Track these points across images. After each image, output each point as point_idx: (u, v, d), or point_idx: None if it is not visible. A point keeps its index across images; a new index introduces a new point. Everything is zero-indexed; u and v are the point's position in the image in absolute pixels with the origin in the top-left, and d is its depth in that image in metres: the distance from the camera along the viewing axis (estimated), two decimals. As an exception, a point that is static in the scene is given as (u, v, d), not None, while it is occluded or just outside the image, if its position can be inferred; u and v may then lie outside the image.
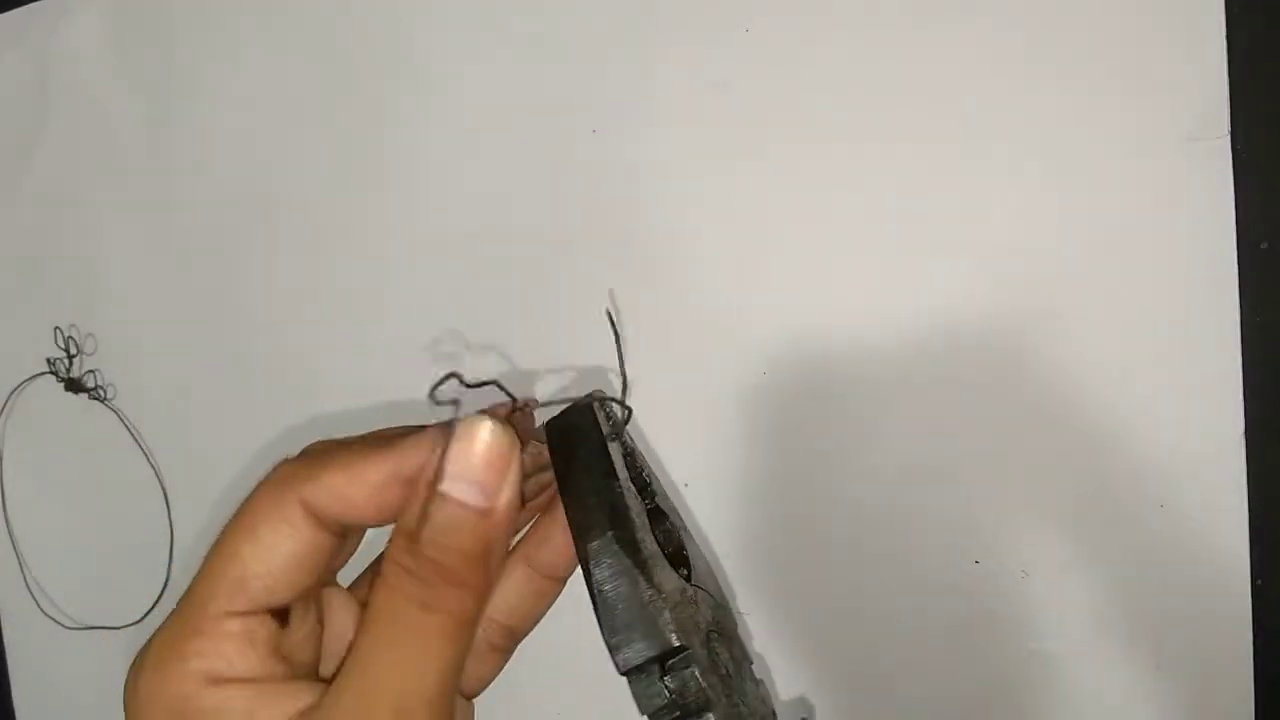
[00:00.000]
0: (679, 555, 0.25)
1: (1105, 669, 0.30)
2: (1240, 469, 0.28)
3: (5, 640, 0.50)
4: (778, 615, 0.34)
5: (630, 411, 0.26)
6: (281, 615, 0.23)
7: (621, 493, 0.23)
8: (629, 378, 0.27)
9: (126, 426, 0.45)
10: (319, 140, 0.40)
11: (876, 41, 0.31)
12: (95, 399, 0.45)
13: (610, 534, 0.23)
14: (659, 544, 0.24)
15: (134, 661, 0.22)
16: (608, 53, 0.35)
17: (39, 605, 0.48)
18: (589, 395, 0.25)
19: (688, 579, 0.24)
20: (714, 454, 0.34)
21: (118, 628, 0.46)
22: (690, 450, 0.35)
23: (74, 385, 0.46)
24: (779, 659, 0.34)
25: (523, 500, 0.23)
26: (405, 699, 0.21)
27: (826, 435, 0.33)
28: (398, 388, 0.39)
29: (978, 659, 0.32)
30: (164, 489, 0.45)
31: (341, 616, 0.24)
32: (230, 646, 0.22)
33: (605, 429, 0.24)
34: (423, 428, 0.24)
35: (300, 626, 0.23)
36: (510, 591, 0.26)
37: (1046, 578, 0.31)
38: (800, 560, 0.34)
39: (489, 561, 0.22)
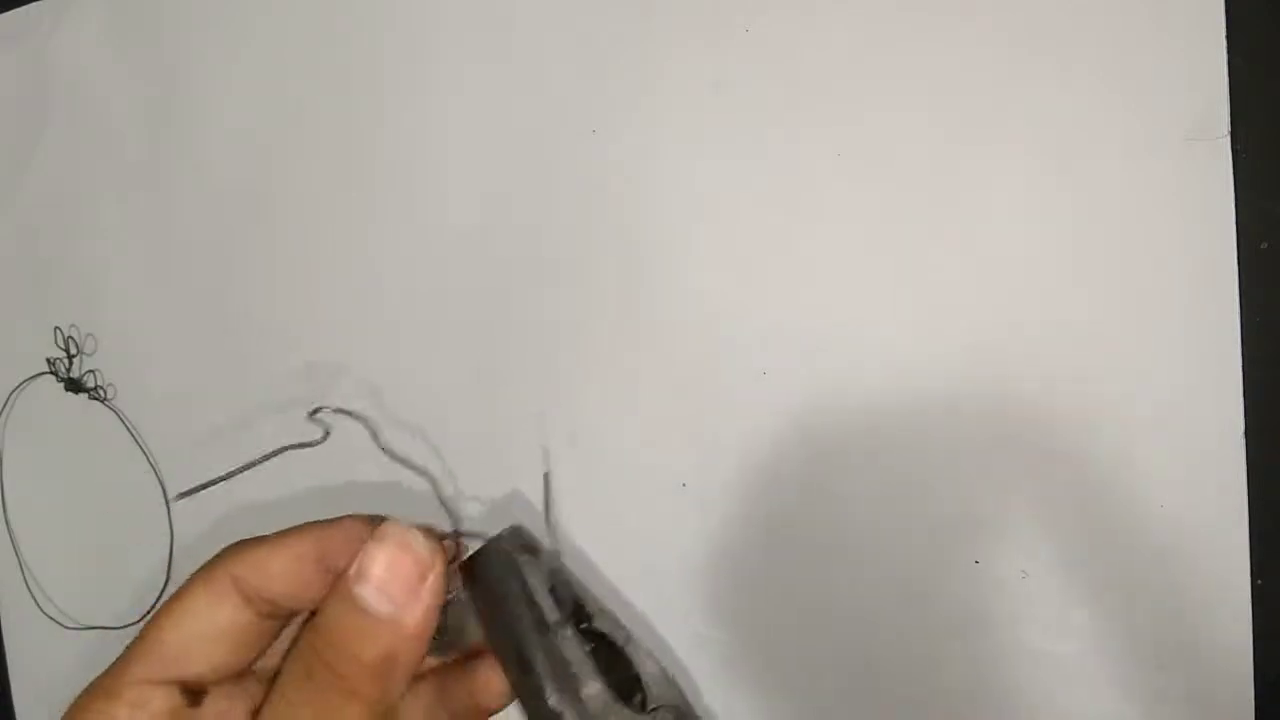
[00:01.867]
0: (632, 680, 0.24)
1: (1105, 669, 0.30)
2: (1240, 469, 0.28)
3: (5, 640, 0.50)
4: (774, 616, 0.34)
5: (558, 553, 0.25)
6: (195, 694, 0.23)
7: (557, 644, 0.22)
8: (553, 520, 0.27)
9: (126, 426, 0.45)
10: (319, 140, 0.40)
11: (876, 41, 0.31)
12: (95, 399, 0.45)
13: (554, 696, 0.22)
14: (603, 677, 0.23)
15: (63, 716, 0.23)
16: (608, 53, 0.35)
17: (39, 605, 0.48)
18: (507, 530, 0.24)
19: (643, 704, 0.23)
20: (713, 454, 0.34)
21: (118, 628, 0.46)
22: (689, 450, 0.35)
23: (74, 385, 0.46)
24: (775, 659, 0.34)
25: (440, 627, 0.22)
26: None
27: (826, 435, 0.33)
28: (396, 381, 0.39)
29: (978, 659, 0.32)
30: (164, 489, 0.45)
31: None
32: (127, 712, 0.22)
33: (531, 564, 0.23)
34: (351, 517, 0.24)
35: (215, 711, 0.23)
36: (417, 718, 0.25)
37: (1046, 578, 0.30)
38: (799, 560, 0.34)
39: (389, 674, 0.21)
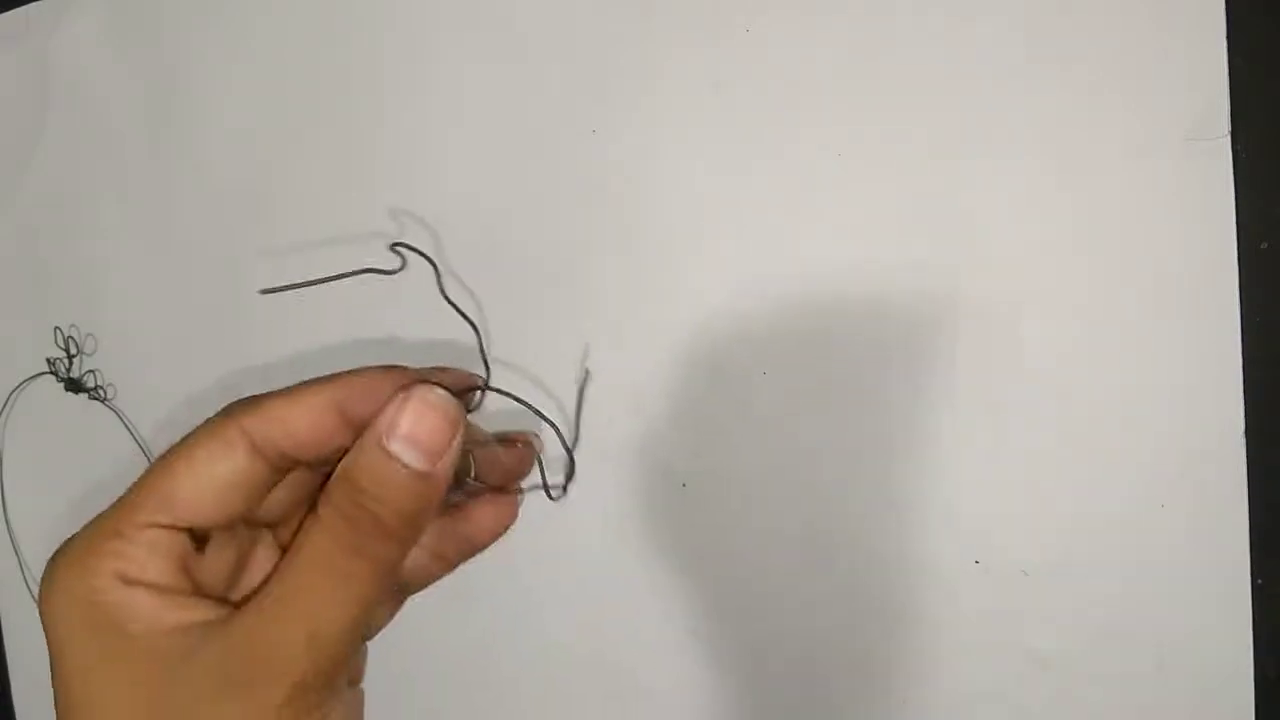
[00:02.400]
0: None
1: (1105, 669, 0.30)
2: (1241, 469, 0.28)
3: (5, 639, 0.50)
4: (777, 613, 0.34)
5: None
6: (200, 540, 0.23)
7: None
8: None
9: (126, 426, 0.45)
10: (318, 140, 0.40)
11: (876, 41, 0.31)
12: (95, 399, 0.45)
13: None
14: None
15: (52, 557, 0.23)
16: (608, 53, 0.35)
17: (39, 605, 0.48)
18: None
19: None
20: (713, 454, 0.34)
21: (118, 628, 0.46)
22: (689, 450, 0.35)
23: (74, 385, 0.46)
24: (777, 658, 0.34)
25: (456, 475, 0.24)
26: (323, 627, 0.22)
27: (826, 435, 0.33)
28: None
29: (977, 659, 0.32)
30: (164, 489, 0.45)
31: (261, 558, 0.25)
32: (145, 553, 0.22)
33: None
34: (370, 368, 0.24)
35: (216, 556, 0.24)
36: (420, 553, 0.27)
37: (1046, 578, 0.31)
38: (799, 560, 0.34)
39: (421, 521, 0.23)
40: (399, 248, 0.32)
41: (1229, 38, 0.28)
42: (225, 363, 0.43)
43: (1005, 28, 0.30)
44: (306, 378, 0.25)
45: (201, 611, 0.22)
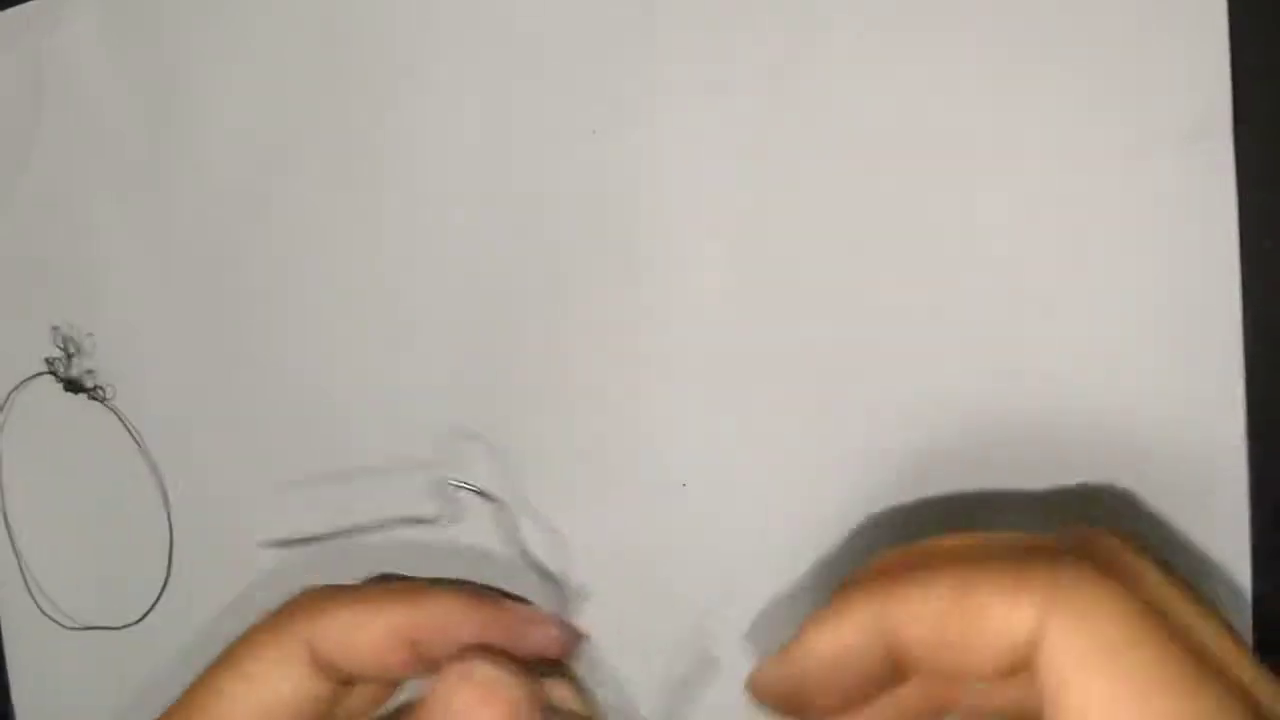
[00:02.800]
0: None
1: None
2: (1242, 469, 0.28)
3: (4, 640, 0.50)
4: (784, 620, 0.34)
5: None
6: None
7: None
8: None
9: (125, 426, 0.45)
10: (317, 140, 0.40)
11: (876, 42, 0.31)
12: (94, 399, 0.45)
13: None
14: None
15: None
16: (608, 53, 0.35)
17: (38, 605, 0.48)
18: None
19: None
20: (712, 454, 0.34)
21: (117, 628, 0.46)
22: (689, 450, 0.35)
23: (73, 385, 0.46)
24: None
25: None
26: None
27: (826, 435, 0.33)
28: (397, 384, 0.39)
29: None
30: (163, 489, 0.45)
31: None
32: None
33: None
34: (437, 583, 0.22)
35: None
36: None
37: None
38: (800, 561, 0.34)
39: None
40: (453, 485, 0.27)
41: (1231, 35, 0.28)
42: (224, 362, 0.43)
43: (1005, 28, 0.30)
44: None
45: None
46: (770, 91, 0.33)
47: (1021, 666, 0.16)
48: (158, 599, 0.45)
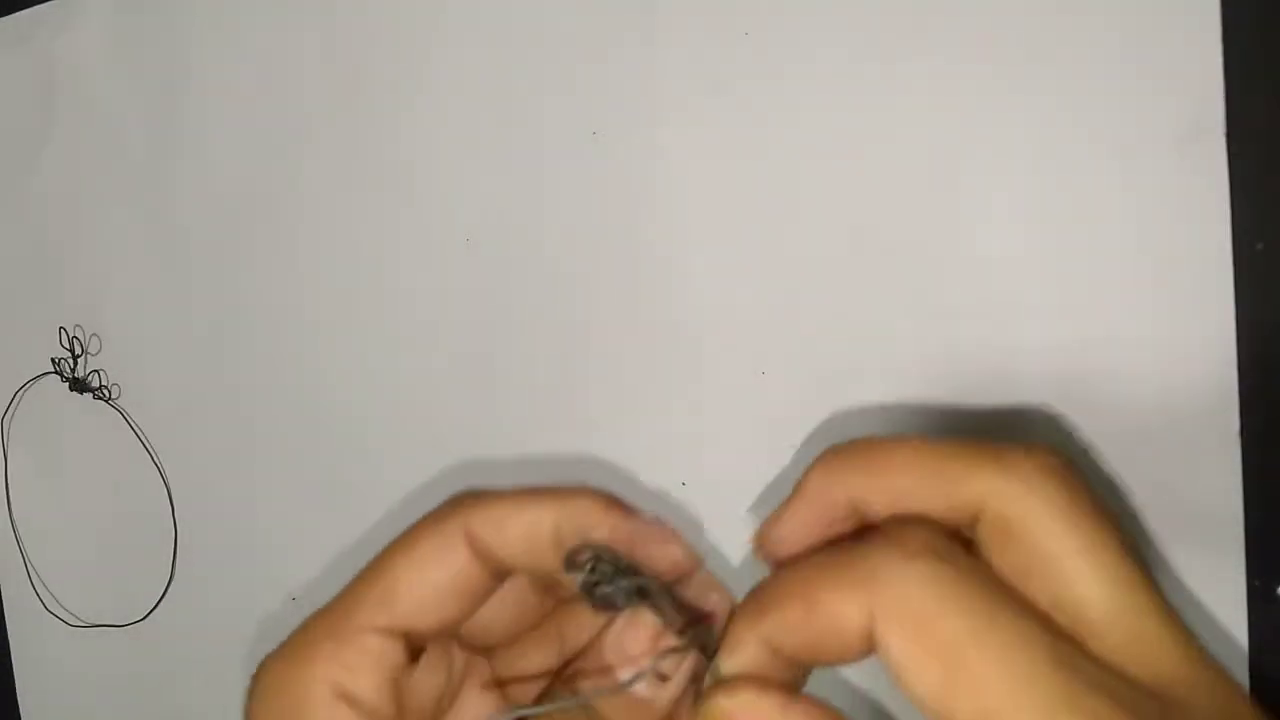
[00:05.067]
0: None
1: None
2: (1236, 469, 0.28)
3: (10, 638, 0.50)
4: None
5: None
6: (414, 653, 0.22)
7: None
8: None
9: (131, 426, 0.45)
10: (320, 141, 0.40)
11: (874, 44, 0.31)
12: (100, 399, 0.46)
13: None
14: None
15: (266, 658, 0.22)
16: (608, 55, 0.35)
17: (44, 603, 0.48)
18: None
19: None
20: (712, 454, 0.35)
21: (122, 625, 0.46)
22: (689, 450, 0.35)
23: (78, 385, 0.46)
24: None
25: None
26: None
27: (826, 435, 0.33)
28: (398, 382, 0.40)
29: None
30: (168, 487, 0.45)
31: (471, 702, 0.24)
32: (360, 660, 0.21)
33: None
34: (580, 488, 0.23)
35: (426, 677, 0.23)
36: None
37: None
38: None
39: None
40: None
41: (1224, 38, 0.28)
42: (229, 362, 0.43)
43: (1001, 29, 0.30)
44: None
45: None
46: (770, 92, 0.33)
47: (871, 648, 0.19)
48: (162, 597, 0.45)
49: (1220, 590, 0.29)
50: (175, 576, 0.45)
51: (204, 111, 0.43)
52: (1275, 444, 0.28)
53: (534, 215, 0.37)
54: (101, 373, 0.46)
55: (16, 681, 0.50)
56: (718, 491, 0.35)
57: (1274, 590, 0.28)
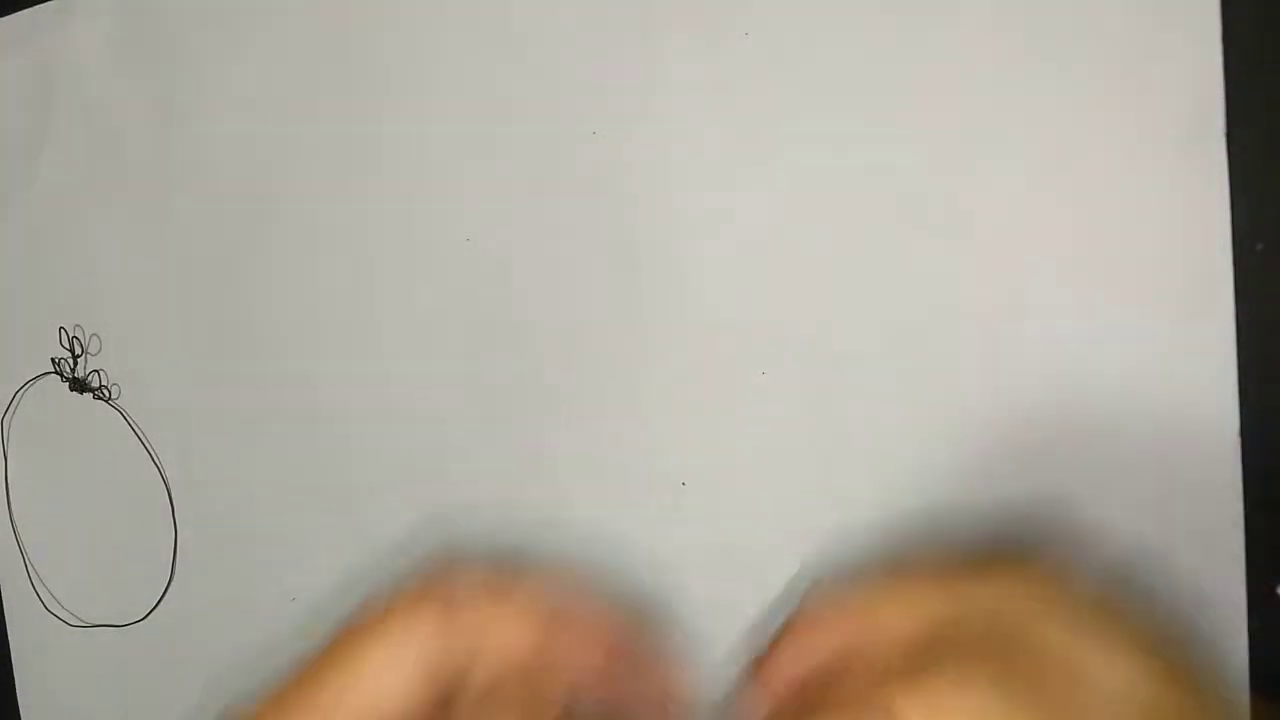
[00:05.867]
0: None
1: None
2: (1236, 470, 0.28)
3: (10, 638, 0.50)
4: (782, 620, 0.34)
5: None
6: None
7: None
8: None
9: (131, 426, 0.45)
10: (320, 141, 0.40)
11: (874, 43, 0.31)
12: (100, 399, 0.46)
13: None
14: None
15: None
16: (608, 55, 0.35)
17: (44, 603, 0.48)
18: None
19: None
20: (713, 454, 0.35)
21: (122, 625, 0.46)
22: (689, 450, 0.35)
23: (78, 385, 0.46)
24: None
25: None
26: None
27: (826, 435, 0.33)
28: (398, 382, 0.39)
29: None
30: (168, 488, 0.45)
31: None
32: None
33: None
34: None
35: None
36: None
37: (1043, 577, 0.31)
38: (799, 561, 0.34)
39: None
40: None
41: (1225, 37, 0.28)
42: (228, 363, 0.43)
43: (1002, 29, 0.30)
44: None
45: None
46: (770, 92, 0.33)
47: None
48: (162, 597, 0.45)
49: (1220, 591, 0.29)
50: (175, 576, 0.45)
51: (203, 111, 0.43)
52: (1275, 444, 0.28)
53: (534, 215, 0.37)
54: (101, 373, 0.46)
55: (16, 681, 0.50)
56: (718, 491, 0.35)
57: (1274, 591, 0.28)
